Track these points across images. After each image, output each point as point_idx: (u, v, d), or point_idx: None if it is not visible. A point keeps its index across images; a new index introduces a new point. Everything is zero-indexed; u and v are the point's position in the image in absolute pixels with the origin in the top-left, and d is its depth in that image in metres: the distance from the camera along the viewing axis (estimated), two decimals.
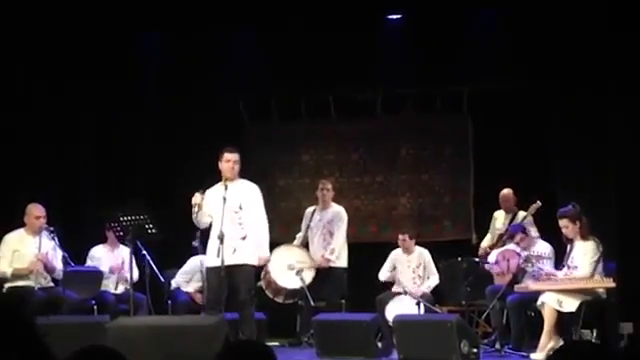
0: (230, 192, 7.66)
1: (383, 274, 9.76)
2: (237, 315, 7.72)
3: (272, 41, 10.66)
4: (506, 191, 9.71)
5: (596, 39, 9.01)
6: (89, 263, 9.35)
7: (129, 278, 8.59)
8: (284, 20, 10.38)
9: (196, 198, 7.74)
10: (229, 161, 7.80)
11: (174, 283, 9.62)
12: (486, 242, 9.84)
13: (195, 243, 9.35)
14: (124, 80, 10.63)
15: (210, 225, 7.85)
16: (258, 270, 8.28)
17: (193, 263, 9.51)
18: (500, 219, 9.77)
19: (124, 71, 10.60)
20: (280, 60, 10.58)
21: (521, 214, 9.52)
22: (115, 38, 10.41)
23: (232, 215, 7.64)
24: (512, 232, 8.90)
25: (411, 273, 9.63)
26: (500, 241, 9.52)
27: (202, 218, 7.81)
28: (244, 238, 7.71)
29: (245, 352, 2.62)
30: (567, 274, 7.99)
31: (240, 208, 7.73)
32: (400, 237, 9.68)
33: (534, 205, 9.31)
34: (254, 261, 7.80)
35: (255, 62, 10.78)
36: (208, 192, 7.86)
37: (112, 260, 9.39)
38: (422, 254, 9.68)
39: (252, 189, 7.95)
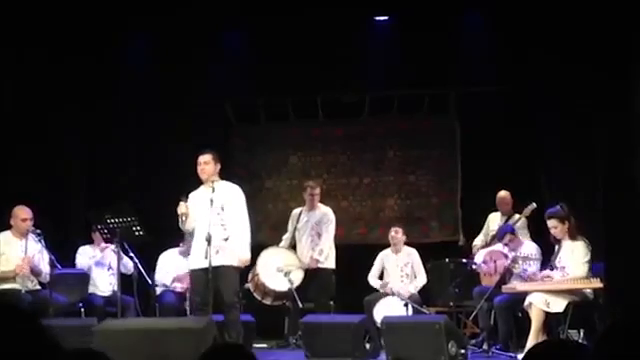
0: (210, 195, 7.67)
1: (372, 279, 9.74)
2: (222, 317, 7.69)
3: (259, 43, 10.65)
4: (503, 193, 9.69)
5: (584, 42, 9.02)
6: (78, 260, 9.31)
7: (117, 280, 8.55)
8: (272, 22, 10.36)
9: (181, 207, 7.76)
10: (199, 164, 7.85)
11: (158, 289, 9.56)
12: (479, 242, 9.81)
13: (182, 245, 9.35)
14: (115, 81, 10.62)
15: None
16: (241, 272, 8.24)
17: (164, 258, 9.56)
18: (495, 221, 9.73)
19: (115, 71, 10.59)
20: (267, 62, 10.57)
21: (516, 216, 9.52)
22: (105, 35, 10.36)
23: (215, 217, 7.64)
24: (501, 233, 8.92)
25: (399, 271, 9.65)
26: (493, 242, 9.53)
27: (189, 225, 7.84)
28: (226, 239, 7.71)
29: (226, 355, 2.61)
30: (564, 275, 8.00)
31: (222, 209, 7.73)
32: (392, 230, 9.71)
33: (529, 207, 9.30)
34: (237, 262, 7.79)
35: (242, 64, 10.77)
36: (191, 196, 7.88)
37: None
38: (410, 254, 9.71)
39: (234, 191, 7.93)
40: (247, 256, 7.89)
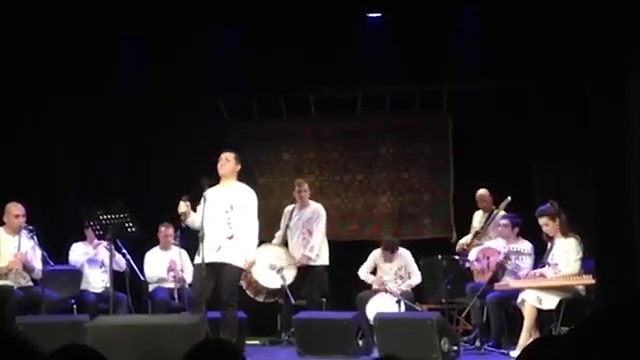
0: (222, 192, 7.76)
1: (363, 273, 9.75)
2: (219, 314, 7.71)
3: (253, 40, 10.64)
4: (482, 191, 9.75)
5: (580, 40, 9.04)
6: (71, 256, 9.29)
7: (109, 277, 8.54)
8: (265, 19, 10.34)
9: (181, 207, 7.77)
10: (221, 159, 7.92)
11: (151, 286, 9.57)
12: (464, 239, 9.86)
13: (175, 241, 9.35)
14: (111, 79, 10.61)
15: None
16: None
17: (150, 256, 9.63)
18: (477, 219, 9.81)
19: (107, 70, 10.58)
20: (261, 59, 10.56)
21: (495, 211, 9.56)
22: (98, 36, 10.34)
23: (222, 214, 7.70)
24: (506, 217, 9.03)
25: (393, 275, 9.67)
26: (475, 238, 9.56)
27: (193, 222, 7.83)
28: (230, 237, 7.73)
29: (213, 351, 2.61)
30: (556, 272, 8.02)
31: (231, 208, 7.77)
32: (382, 250, 9.70)
33: (505, 201, 9.35)
34: (239, 262, 7.77)
35: (236, 61, 10.76)
36: (208, 191, 7.87)
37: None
38: (403, 256, 9.70)
39: (246, 192, 7.98)
40: (253, 258, 7.92)
